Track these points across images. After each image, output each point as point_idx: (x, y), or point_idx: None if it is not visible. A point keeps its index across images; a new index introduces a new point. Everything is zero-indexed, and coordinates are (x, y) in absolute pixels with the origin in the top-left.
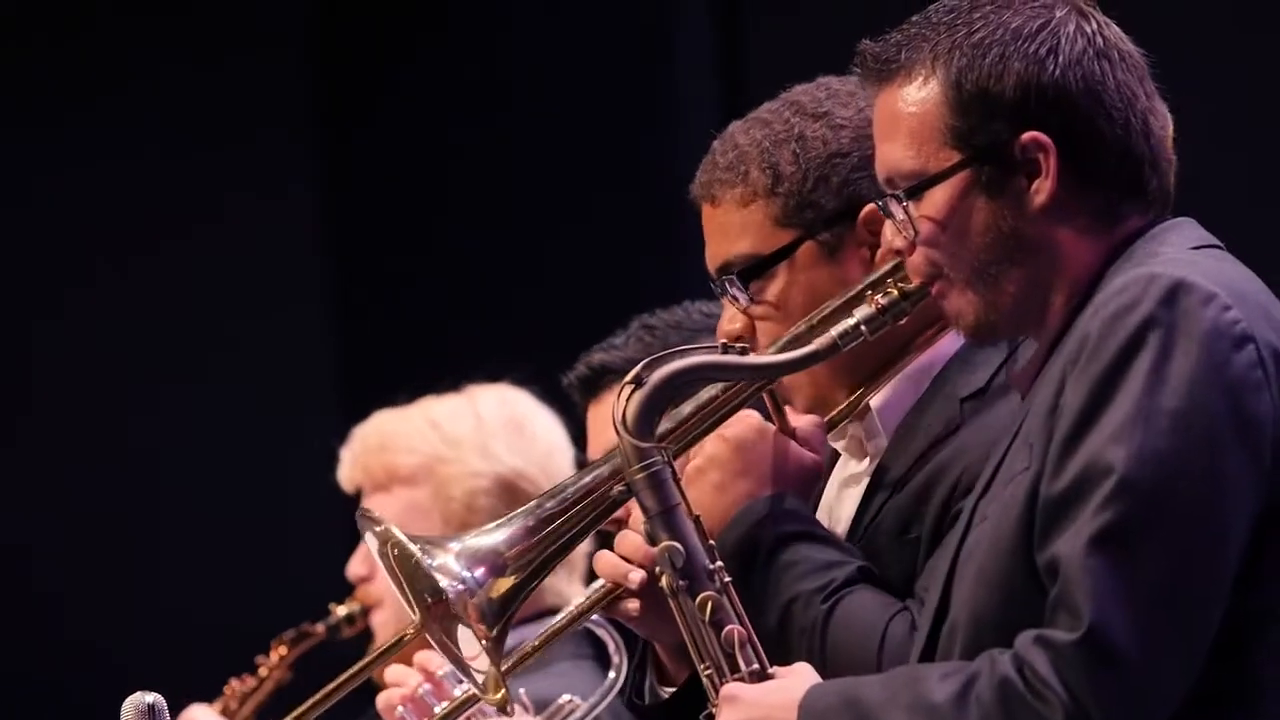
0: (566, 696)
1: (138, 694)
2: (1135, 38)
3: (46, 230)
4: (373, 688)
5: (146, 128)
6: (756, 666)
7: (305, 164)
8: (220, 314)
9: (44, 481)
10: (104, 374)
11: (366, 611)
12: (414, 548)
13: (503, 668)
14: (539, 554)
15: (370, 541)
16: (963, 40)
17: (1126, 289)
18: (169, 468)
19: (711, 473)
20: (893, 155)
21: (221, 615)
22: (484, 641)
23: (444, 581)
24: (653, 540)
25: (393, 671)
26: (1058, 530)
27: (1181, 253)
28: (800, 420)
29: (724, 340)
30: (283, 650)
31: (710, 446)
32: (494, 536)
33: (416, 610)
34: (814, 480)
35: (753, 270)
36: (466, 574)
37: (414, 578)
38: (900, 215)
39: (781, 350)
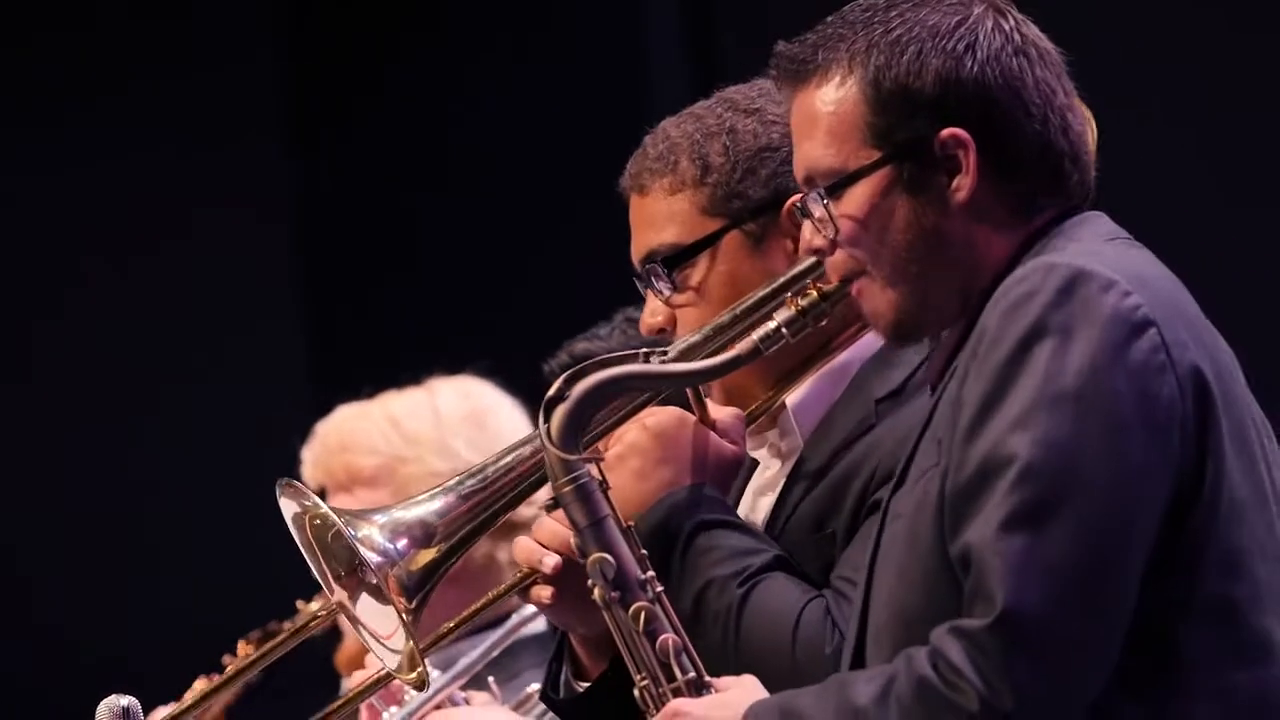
0: (534, 686)
1: (112, 697)
2: (1051, 36)
3: (46, 230)
4: (335, 681)
5: (146, 128)
6: (693, 675)
7: (304, 165)
8: (220, 314)
9: (42, 480)
10: (103, 374)
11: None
12: (339, 520)
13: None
14: (460, 528)
15: (286, 508)
16: (880, 39)
17: (1025, 279)
18: (169, 467)
19: (632, 460)
20: (812, 154)
21: (213, 613)
22: (404, 615)
23: (366, 552)
24: (583, 553)
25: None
26: (966, 521)
27: (1090, 245)
28: (721, 412)
29: (645, 350)
30: (249, 649)
31: (631, 434)
32: (417, 510)
33: (329, 585)
34: (733, 471)
35: (678, 257)
36: (389, 545)
37: (331, 552)
38: (820, 213)
39: (707, 353)
